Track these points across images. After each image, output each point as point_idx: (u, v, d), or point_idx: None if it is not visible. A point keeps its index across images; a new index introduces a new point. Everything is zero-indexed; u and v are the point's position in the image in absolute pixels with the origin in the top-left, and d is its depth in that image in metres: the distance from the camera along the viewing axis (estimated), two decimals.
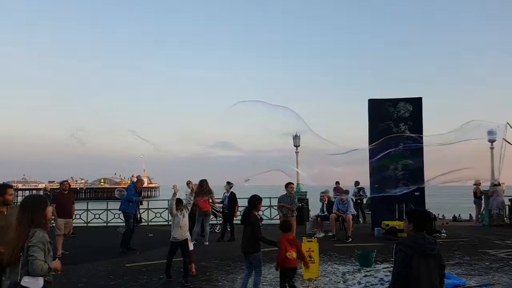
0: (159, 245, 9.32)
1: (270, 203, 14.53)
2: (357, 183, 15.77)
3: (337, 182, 15.33)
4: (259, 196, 5.58)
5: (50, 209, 3.16)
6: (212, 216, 12.42)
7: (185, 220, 6.16)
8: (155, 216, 14.86)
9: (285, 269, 5.33)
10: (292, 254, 5.31)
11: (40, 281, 2.88)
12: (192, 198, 6.62)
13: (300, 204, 12.42)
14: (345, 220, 10.65)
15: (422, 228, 3.17)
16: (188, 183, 11.77)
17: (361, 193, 14.87)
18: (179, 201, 6.21)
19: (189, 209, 6.42)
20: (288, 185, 8.96)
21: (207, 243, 9.95)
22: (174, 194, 6.22)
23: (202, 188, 10.03)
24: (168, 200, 13.27)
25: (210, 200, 10.54)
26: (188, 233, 6.23)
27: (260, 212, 13.53)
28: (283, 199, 8.92)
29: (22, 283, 2.83)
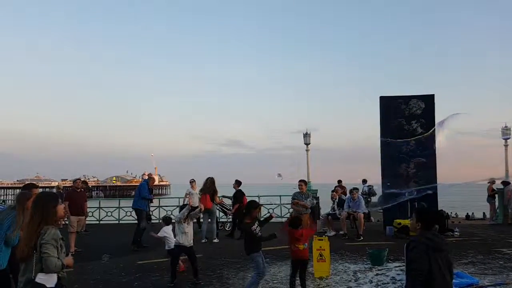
0: None
1: (280, 201, 14.51)
2: (364, 181, 15.62)
3: (339, 181, 15.20)
4: (255, 202, 5.48)
5: (61, 207, 3.15)
6: (222, 214, 12.47)
7: (189, 228, 6.14)
8: (166, 214, 14.97)
9: (294, 261, 5.39)
10: (299, 246, 5.34)
11: (54, 277, 2.92)
12: (200, 213, 6.69)
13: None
14: (356, 219, 10.57)
15: (429, 228, 3.20)
16: (191, 182, 11.80)
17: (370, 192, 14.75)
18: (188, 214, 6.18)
19: (193, 219, 6.48)
20: (298, 182, 8.99)
21: (216, 240, 10.00)
22: (188, 206, 6.35)
23: (205, 186, 10.12)
24: (179, 198, 13.40)
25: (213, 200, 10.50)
26: (192, 241, 6.16)
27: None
28: (297, 196, 8.91)
29: (37, 280, 2.86)
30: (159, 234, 6.81)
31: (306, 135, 15.53)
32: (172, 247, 6.41)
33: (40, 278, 2.86)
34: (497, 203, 13.64)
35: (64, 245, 3.06)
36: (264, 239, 5.19)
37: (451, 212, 16.78)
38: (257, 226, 5.22)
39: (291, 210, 13.24)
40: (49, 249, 2.86)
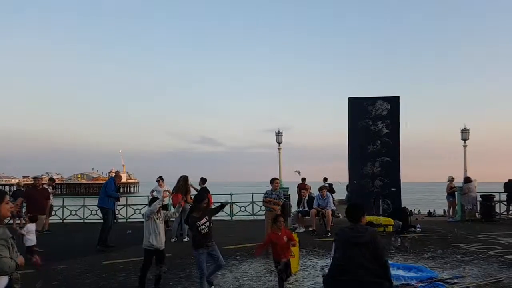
0: (137, 242, 9.12)
1: (253, 199, 14.57)
2: (325, 179, 16.01)
3: (303, 179, 15.50)
4: (201, 194, 5.59)
5: (7, 206, 2.93)
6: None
7: (162, 226, 5.72)
8: (134, 213, 14.63)
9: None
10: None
11: (3, 280, 2.72)
12: (177, 213, 6.54)
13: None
14: (325, 215, 10.82)
15: (356, 220, 3.47)
16: (158, 181, 11.52)
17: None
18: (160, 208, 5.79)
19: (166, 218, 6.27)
20: (273, 180, 8.99)
21: (187, 239, 9.88)
22: (161, 199, 6.09)
23: (178, 184, 9.98)
24: (148, 196, 13.11)
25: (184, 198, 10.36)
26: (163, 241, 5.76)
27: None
28: (270, 194, 8.94)
29: None
30: (23, 231, 7.17)
31: (279, 134, 15.66)
32: (31, 244, 6.87)
33: None
34: (457, 201, 14.33)
35: (15, 244, 2.87)
36: (214, 211, 5.29)
37: (414, 209, 17.50)
38: (206, 221, 5.00)
39: (263, 208, 13.36)
40: (0, 250, 2.67)
